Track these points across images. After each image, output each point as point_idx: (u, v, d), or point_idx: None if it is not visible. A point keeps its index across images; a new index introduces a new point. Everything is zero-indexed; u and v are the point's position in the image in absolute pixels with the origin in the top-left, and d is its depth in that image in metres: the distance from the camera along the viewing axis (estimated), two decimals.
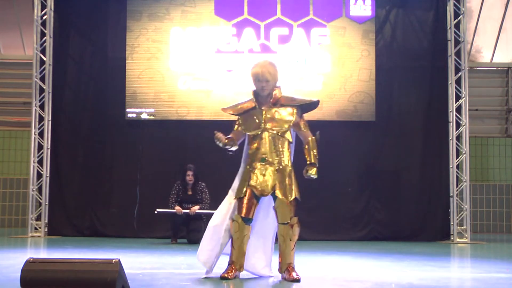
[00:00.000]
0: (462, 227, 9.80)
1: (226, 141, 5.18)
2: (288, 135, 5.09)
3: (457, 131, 9.83)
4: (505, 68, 12.46)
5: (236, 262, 5.02)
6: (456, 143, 9.81)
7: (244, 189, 5.02)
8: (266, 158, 5.02)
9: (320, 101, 5.37)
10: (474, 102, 11.54)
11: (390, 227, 9.83)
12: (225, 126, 9.56)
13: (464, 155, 9.81)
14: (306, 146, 5.12)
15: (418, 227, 9.80)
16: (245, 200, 5.01)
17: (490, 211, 11.94)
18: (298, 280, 4.85)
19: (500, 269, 6.12)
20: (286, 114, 5.10)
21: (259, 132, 5.08)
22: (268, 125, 5.07)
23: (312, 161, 5.06)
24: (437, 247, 8.91)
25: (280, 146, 5.05)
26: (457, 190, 9.78)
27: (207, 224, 9.17)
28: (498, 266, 6.45)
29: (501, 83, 12.50)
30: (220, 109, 9.95)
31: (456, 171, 9.78)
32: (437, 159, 9.95)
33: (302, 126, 5.14)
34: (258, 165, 5.03)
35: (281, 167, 5.01)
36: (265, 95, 5.14)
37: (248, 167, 5.09)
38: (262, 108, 5.15)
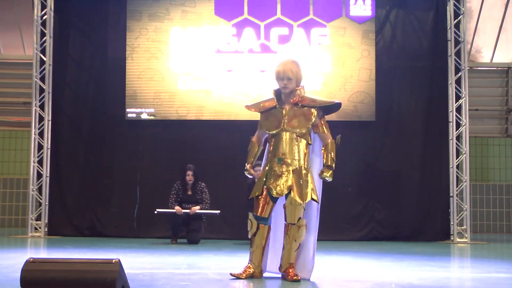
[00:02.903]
0: (462, 227, 9.80)
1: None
2: (307, 136, 5.07)
3: (457, 131, 9.83)
4: (505, 68, 12.46)
5: (254, 262, 5.02)
6: (456, 143, 9.81)
7: (261, 188, 5.03)
8: (284, 158, 5.01)
9: (342, 103, 5.32)
10: (474, 102, 11.54)
11: (390, 227, 9.83)
12: (225, 126, 9.65)
13: (464, 155, 9.81)
14: (324, 148, 5.09)
15: (418, 227, 9.80)
16: (261, 199, 5.01)
17: (490, 211, 11.94)
18: (298, 280, 4.86)
19: (500, 269, 6.11)
20: (306, 115, 5.06)
21: (278, 132, 5.07)
22: (288, 125, 5.05)
23: (329, 163, 5.02)
24: (437, 247, 8.91)
25: (298, 146, 5.03)
26: (457, 190, 9.77)
27: (207, 224, 9.28)
28: (498, 266, 6.45)
29: (501, 83, 12.50)
30: (219, 109, 10.06)
31: (456, 171, 9.78)
32: (437, 159, 9.94)
33: (321, 128, 5.10)
34: (275, 164, 5.02)
35: (297, 168, 5.00)
36: (286, 93, 5.12)
37: (266, 166, 5.10)
38: (283, 107, 5.14)
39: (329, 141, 5.09)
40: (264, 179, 5.04)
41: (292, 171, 4.98)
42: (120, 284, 3.63)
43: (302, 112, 5.07)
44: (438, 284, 4.93)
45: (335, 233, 9.62)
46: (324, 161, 5.06)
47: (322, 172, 5.03)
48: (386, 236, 9.76)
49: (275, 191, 4.98)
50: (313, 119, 5.06)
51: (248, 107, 5.47)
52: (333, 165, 5.04)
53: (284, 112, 5.10)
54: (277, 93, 5.20)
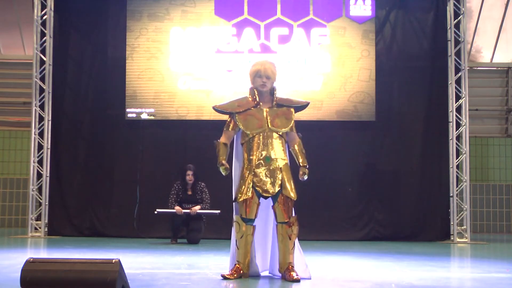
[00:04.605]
0: (462, 227, 9.80)
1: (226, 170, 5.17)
2: (285, 135, 5.17)
3: (457, 131, 9.83)
4: (505, 68, 12.46)
5: (241, 263, 5.02)
6: (456, 143, 9.81)
7: (249, 191, 5.00)
8: (271, 158, 5.03)
9: (309, 103, 5.47)
10: (474, 102, 11.54)
11: (390, 227, 9.83)
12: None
13: (464, 155, 9.81)
14: (296, 147, 5.22)
15: (418, 227, 9.80)
16: (249, 201, 5.00)
17: (490, 211, 11.94)
18: (298, 280, 4.86)
19: (500, 269, 6.11)
20: (287, 114, 5.17)
21: (263, 131, 5.08)
22: (272, 125, 5.09)
23: (305, 164, 5.19)
24: (437, 247, 8.91)
25: (281, 145, 5.12)
26: (457, 190, 9.78)
27: (207, 224, 9.27)
28: (498, 266, 6.45)
29: (501, 83, 12.50)
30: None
31: (456, 171, 9.78)
32: (437, 159, 9.95)
33: (293, 128, 5.23)
34: (263, 164, 5.03)
35: (284, 165, 5.06)
36: (264, 91, 5.17)
37: (250, 167, 5.06)
38: (263, 107, 5.15)
39: (298, 140, 5.25)
40: (251, 181, 5.01)
41: (281, 169, 5.02)
42: (120, 284, 3.63)
43: (283, 112, 5.17)
44: (438, 284, 4.93)
45: (335, 233, 9.61)
46: (301, 161, 5.19)
47: (304, 173, 5.14)
48: (386, 236, 9.76)
49: (266, 191, 4.98)
50: (293, 118, 5.17)
51: (218, 107, 5.35)
52: (307, 164, 5.19)
53: (265, 111, 5.13)
54: (255, 92, 5.21)
